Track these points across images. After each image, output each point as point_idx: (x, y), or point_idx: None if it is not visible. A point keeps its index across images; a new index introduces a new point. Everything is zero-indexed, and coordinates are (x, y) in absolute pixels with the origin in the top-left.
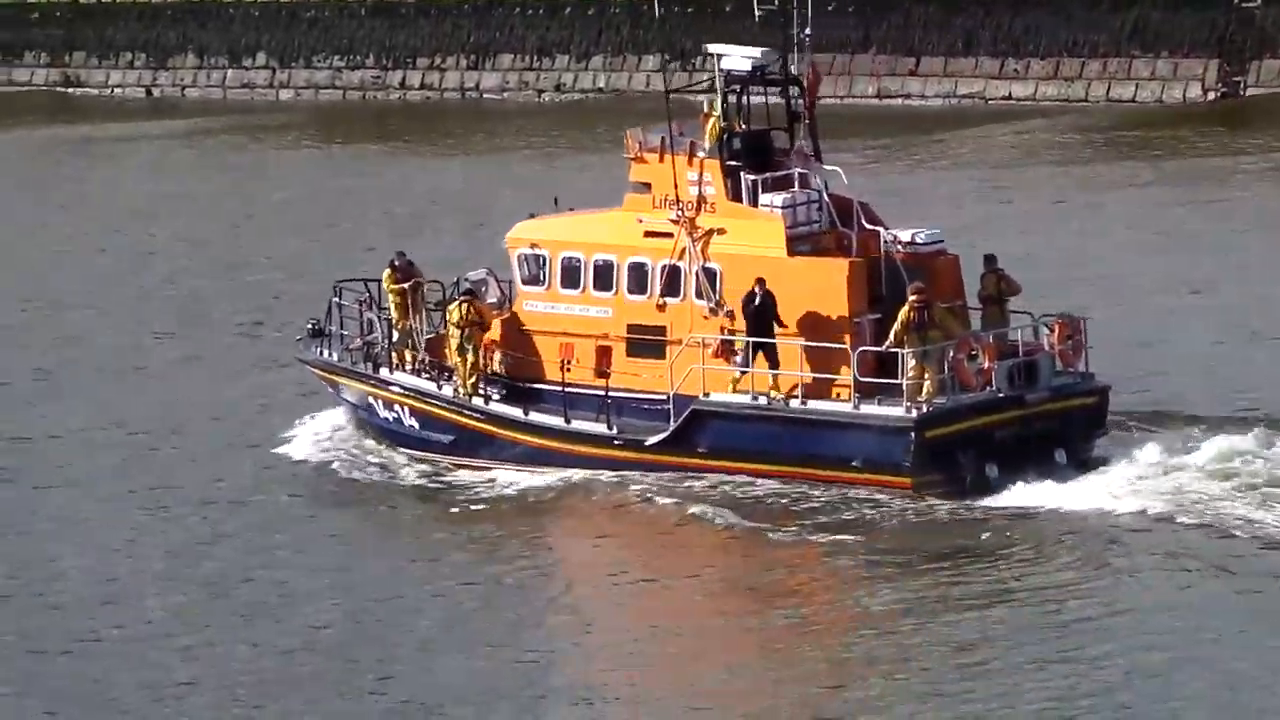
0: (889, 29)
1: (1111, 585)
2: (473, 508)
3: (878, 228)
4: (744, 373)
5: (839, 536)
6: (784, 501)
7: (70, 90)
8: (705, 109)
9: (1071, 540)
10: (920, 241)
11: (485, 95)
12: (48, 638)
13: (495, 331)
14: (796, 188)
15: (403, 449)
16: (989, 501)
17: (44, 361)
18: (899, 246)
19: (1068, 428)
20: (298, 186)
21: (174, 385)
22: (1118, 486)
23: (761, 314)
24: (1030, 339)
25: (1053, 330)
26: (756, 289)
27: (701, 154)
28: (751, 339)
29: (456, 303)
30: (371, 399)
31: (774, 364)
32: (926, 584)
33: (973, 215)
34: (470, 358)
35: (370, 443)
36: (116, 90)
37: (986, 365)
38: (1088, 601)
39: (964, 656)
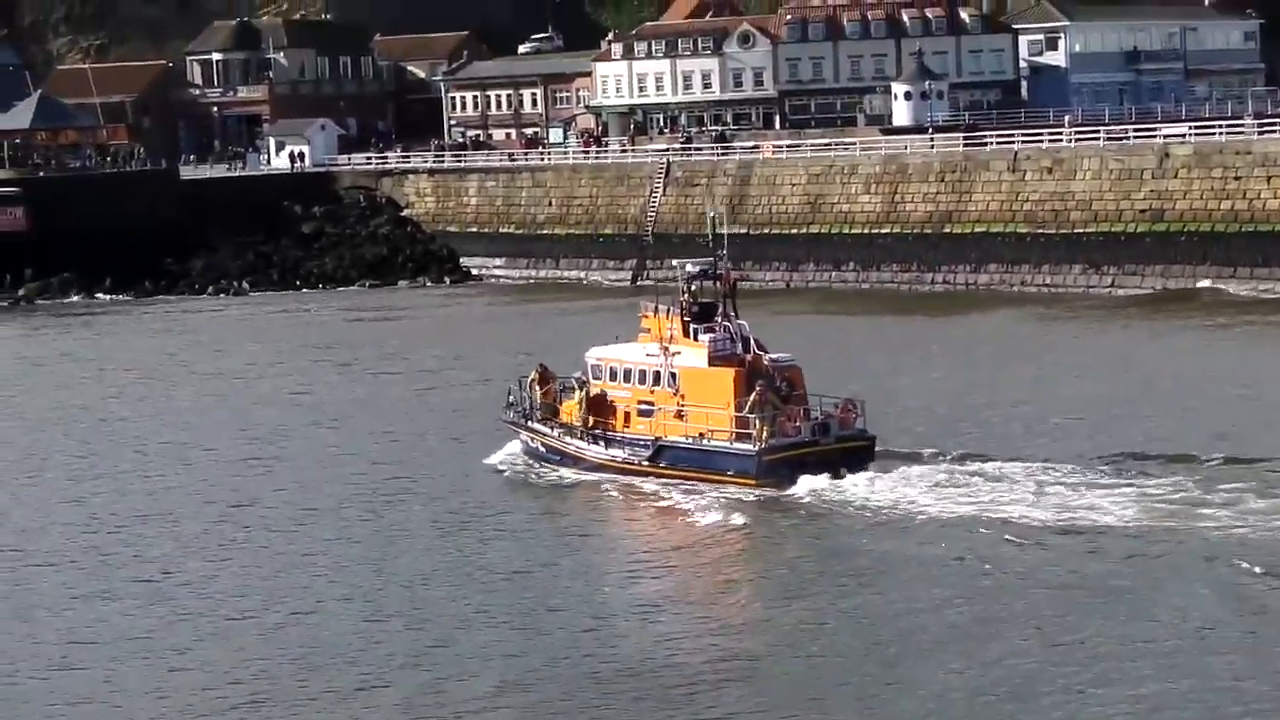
0: None
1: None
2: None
3: (762, 352)
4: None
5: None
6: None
7: None
8: (682, 287)
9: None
10: (781, 360)
11: None
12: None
13: (580, 404)
14: (718, 331)
15: (543, 463)
16: (805, 497)
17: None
18: (769, 361)
19: (849, 457)
20: None
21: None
22: (879, 484)
23: None
24: (830, 410)
25: (840, 406)
26: None
27: (673, 313)
28: (693, 407)
29: (563, 388)
30: (527, 437)
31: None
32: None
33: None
34: (566, 418)
35: (530, 460)
36: None
37: (798, 424)
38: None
39: None
